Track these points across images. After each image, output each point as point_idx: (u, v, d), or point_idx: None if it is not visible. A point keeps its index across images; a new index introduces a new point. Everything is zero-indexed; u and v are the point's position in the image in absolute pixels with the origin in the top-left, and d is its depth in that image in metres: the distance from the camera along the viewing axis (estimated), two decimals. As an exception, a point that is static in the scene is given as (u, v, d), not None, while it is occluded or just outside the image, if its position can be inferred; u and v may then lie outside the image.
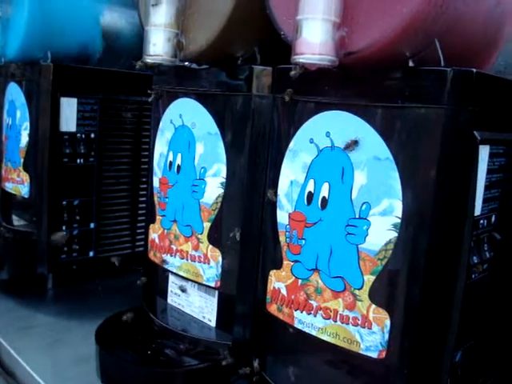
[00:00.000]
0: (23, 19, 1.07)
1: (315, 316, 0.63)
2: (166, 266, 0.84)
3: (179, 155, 0.79)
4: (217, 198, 0.75)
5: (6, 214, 1.22)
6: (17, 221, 1.21)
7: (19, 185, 1.14)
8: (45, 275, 1.16)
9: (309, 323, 0.64)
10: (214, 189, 0.75)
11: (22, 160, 1.13)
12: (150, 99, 0.85)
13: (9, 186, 1.18)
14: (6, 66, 1.17)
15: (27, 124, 1.11)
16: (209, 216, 0.76)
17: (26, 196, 1.14)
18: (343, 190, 0.60)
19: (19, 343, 0.97)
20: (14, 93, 1.15)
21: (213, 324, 0.81)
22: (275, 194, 0.68)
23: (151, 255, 0.87)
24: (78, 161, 1.11)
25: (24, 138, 1.12)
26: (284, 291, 0.67)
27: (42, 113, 1.08)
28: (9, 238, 1.17)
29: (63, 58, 1.10)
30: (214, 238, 0.77)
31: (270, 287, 0.70)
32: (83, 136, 1.11)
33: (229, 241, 0.76)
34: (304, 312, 0.65)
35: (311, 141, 0.62)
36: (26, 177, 1.13)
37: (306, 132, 0.63)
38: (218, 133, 0.74)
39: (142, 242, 1.20)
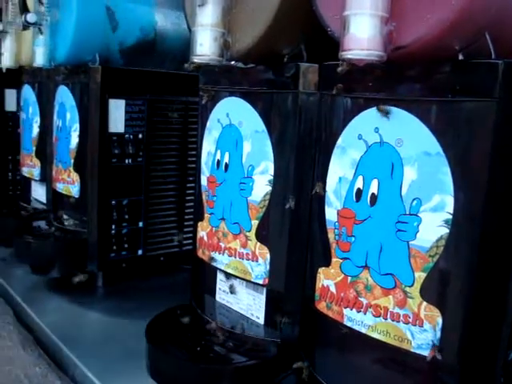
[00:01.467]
0: (71, 23, 1.09)
1: (365, 314, 0.63)
2: (214, 264, 0.84)
3: (227, 154, 0.80)
4: (265, 196, 0.75)
5: (57, 214, 1.26)
6: (67, 220, 1.24)
7: (70, 185, 1.17)
8: (95, 273, 1.19)
9: (358, 321, 0.64)
10: (261, 186, 0.75)
11: (73, 161, 1.16)
12: (203, 101, 0.85)
13: (59, 187, 1.21)
14: (55, 69, 1.20)
15: (77, 126, 1.14)
16: (257, 214, 0.76)
17: (77, 196, 1.16)
18: (393, 186, 0.59)
19: (71, 339, 0.99)
20: (64, 95, 1.18)
21: (261, 321, 0.81)
22: (323, 188, 0.67)
23: (200, 253, 0.87)
24: (127, 161, 1.13)
25: (74, 140, 1.15)
26: (333, 289, 0.67)
27: (91, 114, 1.11)
28: (60, 236, 1.20)
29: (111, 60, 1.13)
30: (262, 236, 0.77)
31: (318, 285, 0.69)
32: (131, 136, 1.13)
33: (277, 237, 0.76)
34: (354, 310, 0.64)
35: (359, 137, 0.62)
36: (76, 177, 1.15)
37: (354, 128, 0.63)
38: (265, 131, 0.74)
39: (190, 241, 1.22)
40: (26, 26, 1.15)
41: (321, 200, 0.68)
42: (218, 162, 0.81)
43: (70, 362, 0.94)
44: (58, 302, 1.16)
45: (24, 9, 1.14)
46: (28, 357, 0.96)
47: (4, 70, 1.36)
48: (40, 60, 1.15)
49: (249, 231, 0.78)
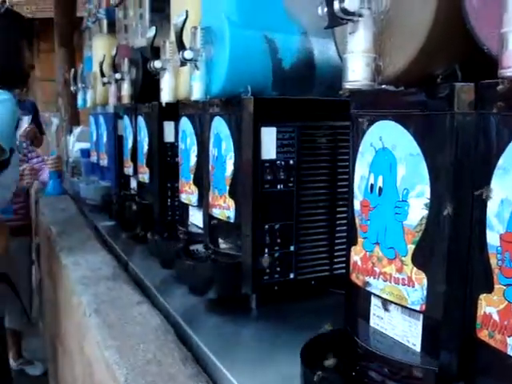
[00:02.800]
0: (225, 59, 1.16)
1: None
2: (368, 289, 0.84)
3: (380, 177, 0.79)
4: (421, 220, 0.74)
5: (213, 238, 1.32)
6: (223, 244, 1.30)
7: (225, 210, 1.23)
8: (249, 295, 1.23)
9: (525, 352, 0.60)
10: (417, 210, 0.74)
11: (228, 187, 1.21)
12: (355, 125, 0.86)
13: (216, 212, 1.27)
14: (210, 102, 1.27)
15: (232, 154, 1.19)
16: (413, 238, 0.75)
17: (232, 221, 1.22)
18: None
19: (226, 358, 1.03)
20: (219, 126, 1.24)
21: (417, 348, 0.79)
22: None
23: (353, 277, 0.87)
24: (279, 186, 1.17)
25: (229, 167, 1.20)
26: (496, 317, 0.64)
27: (244, 143, 1.16)
28: (216, 259, 1.26)
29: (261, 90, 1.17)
30: (419, 261, 0.75)
31: (480, 312, 0.67)
32: (283, 163, 1.16)
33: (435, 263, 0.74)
34: (520, 339, 0.61)
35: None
36: (231, 203, 1.21)
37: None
38: (420, 153, 0.73)
39: (340, 265, 1.22)
40: (183, 62, 1.22)
41: (481, 223, 0.66)
42: (372, 185, 0.81)
43: (226, 382, 0.98)
44: (215, 322, 1.21)
45: (181, 46, 1.22)
46: (188, 374, 1.01)
47: (164, 105, 1.47)
48: (197, 94, 1.23)
49: (404, 256, 0.76)
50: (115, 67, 1.97)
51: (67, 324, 1.79)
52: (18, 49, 1.67)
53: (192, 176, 1.45)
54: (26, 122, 3.20)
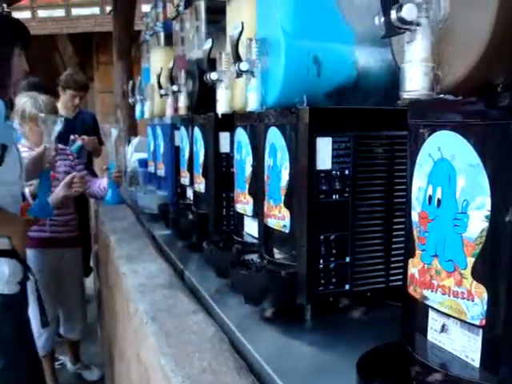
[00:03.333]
0: (280, 69, 1.16)
1: None
2: (426, 302, 0.82)
3: (439, 189, 0.78)
4: (481, 232, 0.72)
5: (268, 248, 1.32)
6: (278, 254, 1.30)
7: (280, 220, 1.23)
8: (303, 306, 1.22)
9: None
10: (477, 222, 0.72)
11: (283, 197, 1.21)
12: (413, 136, 0.85)
13: (271, 222, 1.27)
14: (266, 112, 1.28)
15: (287, 164, 1.19)
16: (473, 251, 0.73)
17: (287, 231, 1.22)
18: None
19: (280, 369, 1.02)
20: (274, 136, 1.25)
21: (476, 364, 0.76)
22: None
23: (411, 290, 0.86)
24: (334, 197, 1.16)
25: (284, 178, 1.20)
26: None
27: (300, 153, 1.16)
28: (271, 269, 1.26)
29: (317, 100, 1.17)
30: (479, 274, 0.73)
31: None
32: (338, 173, 1.15)
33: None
34: None
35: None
36: (286, 213, 1.21)
37: None
38: (481, 164, 0.71)
39: (396, 277, 1.20)
40: (239, 73, 1.24)
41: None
42: (430, 197, 0.80)
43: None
44: (269, 332, 1.21)
45: (237, 58, 1.23)
46: (242, 383, 1.01)
47: (220, 116, 1.48)
48: (252, 105, 1.24)
49: (464, 269, 0.75)
50: (172, 79, 2.01)
51: (124, 331, 1.83)
52: (3, 55, 1.66)
53: (247, 186, 1.46)
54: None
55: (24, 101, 2.54)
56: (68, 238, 2.87)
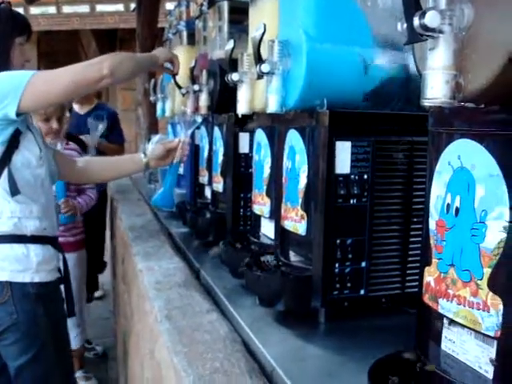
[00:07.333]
0: (302, 71, 1.16)
1: None
2: (441, 311, 0.81)
3: (458, 197, 0.77)
4: (499, 243, 0.71)
5: (284, 250, 1.32)
6: (293, 256, 1.30)
7: (297, 223, 1.23)
8: (318, 309, 1.22)
9: None
10: (495, 233, 0.71)
11: (301, 200, 1.21)
12: (433, 143, 0.84)
13: (288, 224, 1.27)
14: (286, 114, 1.28)
15: (305, 167, 1.19)
16: (489, 261, 0.72)
17: (303, 234, 1.21)
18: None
19: (294, 372, 1.02)
20: (294, 139, 1.25)
21: (489, 376, 0.76)
22: None
23: (426, 298, 0.85)
24: (352, 201, 1.15)
25: (302, 180, 1.20)
26: None
27: (319, 156, 1.16)
28: (286, 271, 1.26)
29: (337, 104, 1.17)
30: (495, 285, 0.72)
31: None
32: (356, 177, 1.15)
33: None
34: None
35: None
36: (303, 215, 1.21)
37: None
38: (501, 174, 0.71)
39: (412, 284, 1.19)
40: (260, 75, 1.24)
41: None
42: (448, 205, 0.79)
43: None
44: (282, 334, 1.21)
45: (259, 59, 1.23)
46: (255, 385, 1.01)
47: (240, 116, 1.48)
48: (273, 106, 1.24)
49: (480, 279, 0.74)
50: (193, 78, 2.02)
51: (139, 327, 1.84)
52: (3, 48, 1.67)
53: (265, 187, 1.46)
54: (99, 131, 3.26)
55: None
56: (68, 242, 2.80)
